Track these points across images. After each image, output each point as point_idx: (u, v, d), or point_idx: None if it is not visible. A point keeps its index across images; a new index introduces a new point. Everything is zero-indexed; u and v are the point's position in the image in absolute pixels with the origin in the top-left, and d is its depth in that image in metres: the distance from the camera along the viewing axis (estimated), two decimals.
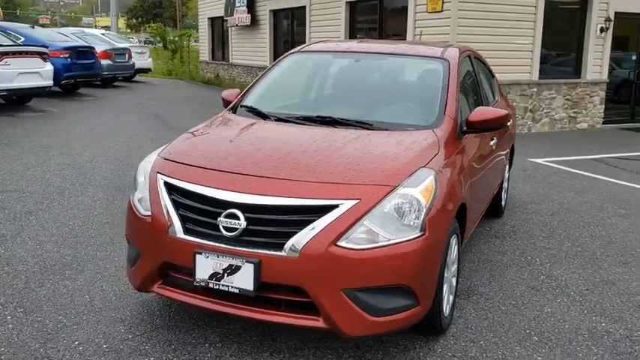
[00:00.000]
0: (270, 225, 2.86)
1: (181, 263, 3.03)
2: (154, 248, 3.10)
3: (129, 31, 69.63)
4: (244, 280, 2.85)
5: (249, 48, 18.52)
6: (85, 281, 3.97)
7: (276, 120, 3.83)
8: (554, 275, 4.40)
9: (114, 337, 3.28)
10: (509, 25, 10.82)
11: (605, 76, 12.12)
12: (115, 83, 18.03)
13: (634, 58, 12.72)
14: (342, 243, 2.78)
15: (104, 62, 16.06)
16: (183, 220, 3.01)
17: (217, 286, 2.91)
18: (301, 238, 2.78)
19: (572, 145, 10.33)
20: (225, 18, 19.49)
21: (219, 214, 2.91)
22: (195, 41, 28.94)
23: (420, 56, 4.29)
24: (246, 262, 2.83)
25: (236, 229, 2.87)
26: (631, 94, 12.88)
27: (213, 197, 2.96)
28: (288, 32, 16.64)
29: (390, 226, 2.85)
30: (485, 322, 3.59)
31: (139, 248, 3.21)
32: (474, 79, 4.66)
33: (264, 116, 3.90)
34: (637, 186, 7.37)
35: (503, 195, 5.81)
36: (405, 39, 11.45)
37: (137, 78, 19.80)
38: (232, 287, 2.89)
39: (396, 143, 3.36)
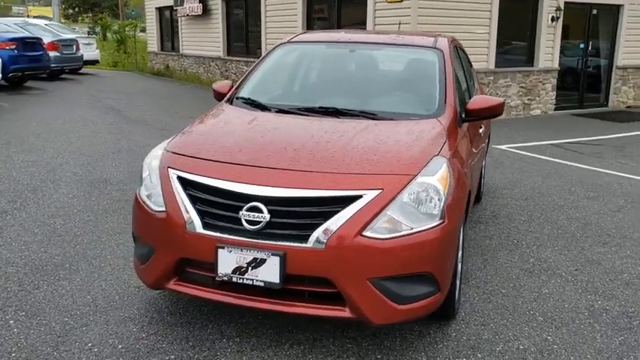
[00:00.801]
0: (295, 217, 2.85)
1: (201, 258, 2.99)
2: (169, 244, 3.04)
3: (63, 21, 67.21)
4: (269, 272, 2.83)
5: (201, 38, 18.21)
6: (83, 281, 3.86)
7: (277, 111, 3.80)
8: (542, 257, 4.55)
9: (127, 336, 3.20)
10: (467, 15, 11.04)
11: (556, 64, 12.53)
12: (63, 76, 17.41)
13: (582, 46, 13.19)
14: (367, 233, 2.80)
15: (52, 54, 15.46)
16: (202, 214, 2.96)
17: (241, 280, 2.89)
18: (327, 229, 2.78)
19: (529, 132, 10.65)
20: (174, 8, 19.07)
21: (241, 208, 2.88)
22: (142, 31, 28.22)
23: (413, 46, 4.34)
24: (272, 254, 2.81)
25: (259, 222, 2.84)
26: (579, 81, 13.37)
27: (234, 191, 2.92)
28: (243, 22, 16.45)
29: (411, 214, 2.88)
30: (489, 306, 3.69)
31: (152, 245, 3.14)
32: (461, 68, 4.75)
33: (264, 108, 3.87)
34: (598, 169, 7.67)
35: (482, 181, 5.96)
36: (365, 29, 11.51)
37: (84, 70, 19.17)
38: (257, 280, 2.87)
39: (405, 132, 3.40)
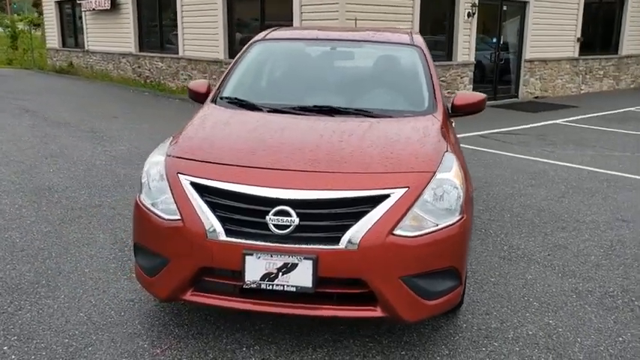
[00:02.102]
0: (325, 219, 2.81)
1: (225, 267, 2.88)
2: (188, 254, 2.90)
3: None
4: (302, 277, 2.78)
5: (110, 34, 17.41)
6: (68, 298, 3.60)
7: (269, 111, 3.72)
8: (513, 245, 4.77)
9: (140, 354, 3.03)
10: (391, 10, 11.28)
11: (472, 58, 13.10)
12: None
13: (494, 41, 13.87)
14: (397, 232, 2.81)
15: None
16: (223, 221, 2.85)
17: (270, 287, 2.81)
18: (358, 230, 2.77)
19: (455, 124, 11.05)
20: (78, 2, 18.10)
21: (267, 212, 2.80)
22: (35, 25, 26.54)
23: (391, 43, 4.38)
24: (304, 259, 2.76)
25: (288, 226, 2.78)
26: (493, 74, 14.06)
27: (258, 195, 2.83)
28: (156, 16, 15.88)
29: (434, 211, 2.92)
30: (485, 295, 3.82)
31: (165, 256, 2.97)
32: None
33: (255, 107, 3.78)
34: (531, 158, 8.11)
35: None
36: (292, 25, 11.49)
37: None
38: (288, 286, 2.80)
39: (411, 129, 3.44)
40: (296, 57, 4.40)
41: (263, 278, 2.81)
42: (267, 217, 2.80)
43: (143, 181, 3.22)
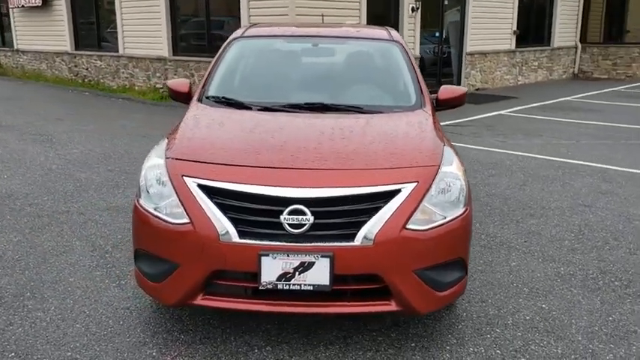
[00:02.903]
0: (339, 216, 2.81)
1: (240, 269, 2.84)
2: (199, 258, 2.84)
3: None
4: (319, 275, 2.78)
5: (42, 32, 16.67)
6: (59, 309, 3.46)
7: (260, 109, 3.68)
8: (490, 233, 4.91)
9: None
10: (339, 5, 11.33)
11: (417, 52, 13.33)
12: None
13: (437, 35, 14.18)
14: (410, 226, 2.85)
15: None
16: (235, 223, 2.81)
17: (287, 287, 2.79)
18: (373, 226, 2.79)
19: None
20: None
21: (281, 212, 2.78)
22: None
23: (370, 39, 4.42)
24: (321, 257, 2.76)
25: (303, 225, 2.77)
26: (436, 68, 14.37)
27: (271, 195, 2.81)
28: (92, 13, 15.31)
29: (442, 204, 2.98)
30: (476, 283, 3.93)
31: (174, 261, 2.90)
32: None
33: (243, 106, 3.73)
34: (485, 148, 8.35)
35: None
36: (240, 21, 11.37)
37: None
38: (305, 285, 2.79)
39: (406, 125, 3.49)
40: (279, 54, 4.36)
41: (279, 278, 2.79)
42: (282, 217, 2.78)
43: (141, 185, 3.13)
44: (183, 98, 4.08)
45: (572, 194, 6.04)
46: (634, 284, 3.93)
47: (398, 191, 2.88)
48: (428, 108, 3.80)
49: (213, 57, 12.23)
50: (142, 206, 3.06)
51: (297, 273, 2.78)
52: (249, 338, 3.18)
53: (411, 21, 12.93)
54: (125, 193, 5.80)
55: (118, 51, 14.43)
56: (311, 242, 2.78)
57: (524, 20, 16.00)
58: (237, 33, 4.48)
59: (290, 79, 4.14)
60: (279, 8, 10.76)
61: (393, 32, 4.55)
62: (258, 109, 3.68)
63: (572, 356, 3.06)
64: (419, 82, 4.01)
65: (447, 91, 4.06)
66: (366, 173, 2.94)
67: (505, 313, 3.51)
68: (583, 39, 18.26)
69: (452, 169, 3.11)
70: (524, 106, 12.42)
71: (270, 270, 2.78)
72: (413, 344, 3.16)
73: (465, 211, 3.06)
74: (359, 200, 2.84)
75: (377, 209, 2.83)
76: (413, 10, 12.85)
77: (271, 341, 3.15)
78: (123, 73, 14.46)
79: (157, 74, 13.48)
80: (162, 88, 13.32)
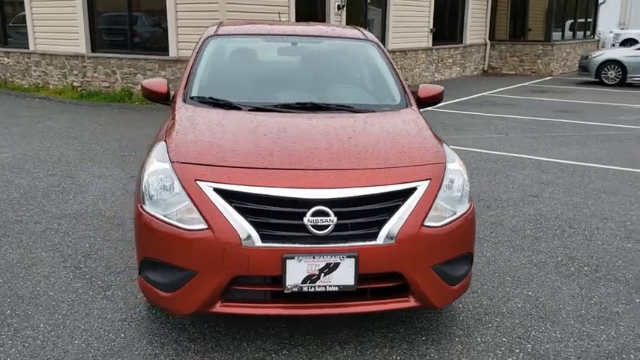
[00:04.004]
0: (361, 216, 2.83)
1: (263, 273, 2.79)
2: (219, 264, 2.76)
3: None
4: (344, 276, 2.78)
5: None
6: (50, 326, 3.25)
7: (251, 110, 3.62)
8: None
9: None
10: (269, 2, 11.26)
11: None
12: None
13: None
14: (427, 223, 2.92)
15: None
16: (257, 226, 2.76)
17: (312, 289, 2.78)
18: (395, 224, 2.83)
19: None
20: None
21: (304, 214, 2.76)
22: None
23: (347, 38, 4.43)
24: (346, 257, 2.76)
25: (327, 226, 2.76)
26: None
27: (294, 197, 2.78)
28: None
29: (451, 200, 3.07)
30: None
31: (190, 268, 2.80)
32: None
33: (232, 106, 3.65)
34: None
35: None
36: (167, 19, 11.05)
37: None
38: (331, 286, 2.79)
39: (402, 123, 3.55)
40: (260, 53, 4.29)
41: (305, 281, 2.77)
42: (305, 219, 2.76)
43: (144, 191, 2.99)
44: (161, 98, 3.94)
45: (517, 185, 6.36)
46: (601, 268, 4.21)
47: (414, 189, 2.94)
48: (415, 107, 3.89)
49: (136, 54, 11.84)
50: (148, 213, 2.92)
51: (322, 274, 2.77)
52: (262, 343, 3.13)
53: (337, 18, 13.08)
54: (77, 199, 5.51)
55: (28, 47, 13.59)
56: (335, 243, 2.78)
57: (439, 19, 16.61)
58: (210, 31, 4.36)
59: (275, 79, 4.08)
60: (208, 4, 10.55)
61: (366, 32, 4.60)
62: (249, 110, 3.61)
63: (571, 339, 3.24)
64: (400, 81, 4.09)
65: (425, 89, 4.16)
66: (382, 172, 2.97)
67: (498, 302, 3.67)
68: (491, 36, 19.20)
69: (456, 165, 3.20)
70: (446, 102, 12.88)
71: (296, 273, 2.75)
72: (424, 338, 3.23)
73: (470, 206, 3.16)
74: (380, 199, 2.87)
75: (396, 207, 2.87)
76: (339, 7, 13.01)
77: (285, 345, 3.12)
78: (35, 71, 13.64)
79: (74, 72, 12.83)
80: (80, 86, 12.71)
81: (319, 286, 2.78)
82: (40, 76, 13.53)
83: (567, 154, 7.83)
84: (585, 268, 4.22)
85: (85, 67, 12.61)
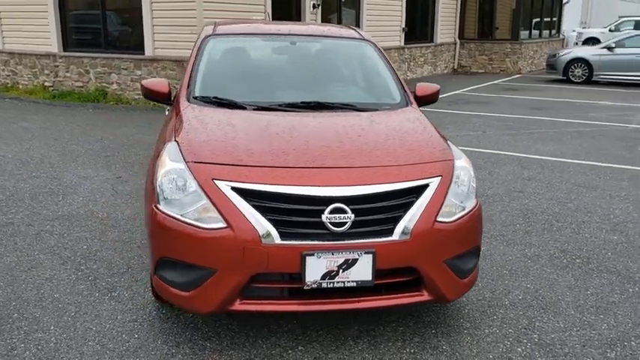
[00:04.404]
0: (378, 213, 2.89)
1: (282, 270, 2.83)
2: (239, 262, 2.79)
3: None
4: (362, 271, 2.84)
5: None
6: (60, 328, 3.22)
7: (256, 109, 3.64)
8: None
9: None
10: (246, 1, 11.23)
11: None
12: None
13: None
14: (440, 218, 2.99)
15: None
16: (276, 224, 2.79)
17: (331, 285, 2.83)
18: (410, 220, 2.90)
19: None
20: None
21: (322, 211, 2.81)
22: None
23: (344, 37, 4.49)
24: (364, 253, 2.82)
25: (345, 223, 2.82)
26: None
27: (312, 195, 2.82)
28: None
29: (460, 196, 3.15)
30: None
31: (210, 267, 2.82)
32: None
33: (237, 106, 3.67)
34: None
35: None
36: (142, 17, 10.93)
37: None
38: (349, 282, 2.85)
39: (407, 122, 3.62)
40: (260, 52, 4.32)
41: (324, 277, 2.81)
42: (324, 216, 2.80)
43: (159, 191, 2.99)
44: (163, 98, 3.93)
45: (501, 181, 6.51)
46: (592, 260, 4.36)
47: (426, 186, 3.01)
48: (415, 105, 3.97)
49: (110, 53, 11.71)
50: (164, 213, 2.93)
51: (340, 270, 2.82)
52: (277, 340, 3.17)
53: (312, 17, 13.12)
54: (66, 200, 5.43)
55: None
56: (352, 239, 2.83)
57: (411, 18, 16.79)
58: (208, 31, 4.36)
59: (276, 78, 4.11)
60: (185, 3, 10.48)
61: (362, 31, 4.66)
62: (254, 109, 3.64)
63: (575, 329, 3.36)
64: (399, 80, 4.16)
65: (423, 88, 4.24)
66: (395, 170, 3.03)
67: (499, 295, 3.77)
68: (461, 36, 19.49)
69: (463, 162, 3.28)
70: None
71: (315, 269, 2.80)
72: (433, 331, 3.31)
73: (477, 201, 3.25)
74: (395, 196, 2.93)
75: (410, 204, 2.94)
76: (314, 7, 13.05)
77: (300, 341, 3.16)
78: (3, 70, 13.33)
79: (46, 71, 12.58)
80: (52, 86, 12.48)
81: (338, 282, 2.84)
82: (8, 75, 13.23)
83: (545, 151, 8.03)
84: (577, 260, 4.36)
85: (57, 66, 12.39)
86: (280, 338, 3.18)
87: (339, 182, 2.88)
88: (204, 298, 2.86)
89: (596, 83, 16.30)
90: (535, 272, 4.13)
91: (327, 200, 2.83)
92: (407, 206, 2.93)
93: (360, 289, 2.92)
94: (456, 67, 19.68)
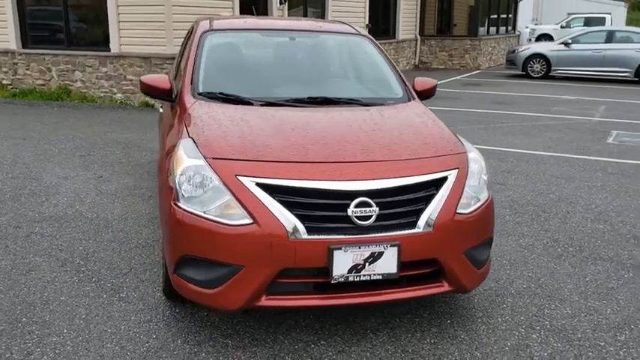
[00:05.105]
0: (401, 206, 2.92)
1: (309, 265, 2.83)
2: (267, 258, 2.77)
3: None
4: (387, 264, 2.86)
5: None
6: (74, 331, 3.14)
7: (263, 104, 3.62)
8: None
9: None
10: None
11: None
12: None
13: None
14: (459, 210, 3.04)
15: None
16: (302, 219, 2.79)
17: (357, 278, 2.85)
18: (432, 213, 2.94)
19: None
20: None
21: (348, 205, 2.82)
22: None
23: (341, 33, 4.49)
24: (390, 246, 2.84)
25: (370, 216, 2.84)
26: None
27: (337, 189, 2.83)
28: None
29: (474, 187, 3.21)
30: None
31: (235, 263, 2.80)
32: None
33: (244, 101, 3.64)
34: None
35: None
36: (107, 13, 10.68)
37: None
38: (374, 275, 2.87)
39: (416, 116, 3.66)
40: (260, 48, 4.29)
41: (350, 271, 2.83)
42: (349, 210, 2.81)
43: (178, 188, 2.95)
44: (164, 95, 3.85)
45: None
46: (584, 249, 4.50)
47: (445, 178, 3.06)
48: (418, 100, 4.01)
49: (74, 50, 11.44)
50: (185, 210, 2.88)
51: (367, 264, 2.84)
52: (297, 335, 3.16)
53: (279, 12, 13.07)
54: (51, 201, 5.28)
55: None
56: (377, 233, 2.85)
57: (374, 15, 16.91)
58: (205, 26, 4.29)
59: (279, 73, 4.09)
60: None
61: (357, 27, 4.68)
62: (261, 105, 3.61)
63: (582, 314, 3.47)
64: (400, 74, 4.20)
65: (421, 82, 4.28)
66: (414, 162, 3.07)
67: (504, 284, 3.86)
68: (421, 32, 19.75)
69: (475, 155, 3.35)
70: None
71: (342, 263, 2.81)
72: (449, 321, 3.36)
73: (489, 194, 3.32)
74: (417, 189, 2.97)
75: (432, 196, 2.98)
76: (281, 2, 13.00)
77: (321, 335, 3.17)
78: None
79: (4, 69, 12.15)
80: (10, 84, 12.06)
81: (364, 276, 2.85)
82: None
83: (517, 144, 8.23)
84: (570, 249, 4.50)
85: (16, 64, 11.99)
86: (300, 333, 3.18)
87: (363, 176, 2.90)
88: (231, 295, 2.84)
89: (554, 78, 16.78)
90: (533, 262, 4.24)
91: (353, 194, 2.84)
92: (428, 199, 2.97)
93: (382, 282, 2.94)
94: (417, 64, 19.93)
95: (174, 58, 10.56)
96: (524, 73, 16.89)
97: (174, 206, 2.94)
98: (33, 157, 6.92)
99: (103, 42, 11.03)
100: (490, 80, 16.46)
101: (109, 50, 10.97)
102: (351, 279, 2.84)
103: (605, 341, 3.19)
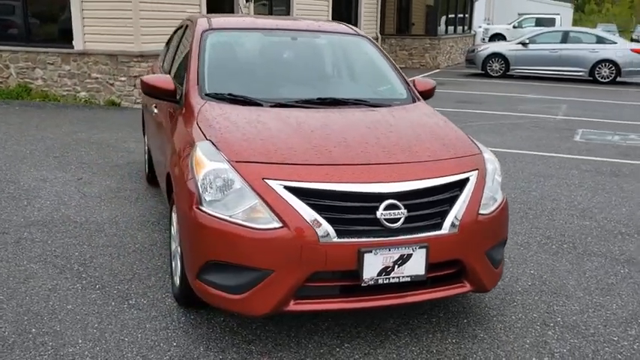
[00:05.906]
0: (428, 207, 2.93)
1: (339, 268, 2.81)
2: (297, 261, 2.74)
3: None
4: (416, 266, 2.87)
5: None
6: (89, 341, 3.03)
7: (273, 105, 3.57)
8: None
9: None
10: None
11: None
12: None
13: None
14: (481, 210, 3.08)
15: None
16: (331, 222, 2.77)
17: (387, 280, 2.85)
18: (457, 214, 2.96)
19: None
20: None
21: (377, 208, 2.81)
22: None
23: (341, 33, 4.46)
24: (419, 248, 2.85)
25: (398, 218, 2.84)
26: None
27: (366, 192, 2.82)
28: None
29: (492, 187, 3.25)
30: None
31: (265, 268, 2.75)
32: None
33: (253, 102, 3.58)
34: None
35: None
36: (70, 8, 10.34)
37: None
38: (403, 277, 2.87)
39: (426, 117, 3.67)
40: (263, 47, 4.21)
41: (380, 273, 2.82)
42: (378, 213, 2.81)
43: (201, 192, 2.88)
44: (167, 95, 3.74)
45: None
46: (577, 246, 4.62)
47: (467, 179, 3.09)
48: (422, 100, 4.03)
49: (34, 46, 11.15)
50: (210, 214, 2.82)
51: (396, 266, 2.84)
52: (319, 338, 3.13)
53: (246, 10, 12.94)
54: (34, 205, 5.08)
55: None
56: (406, 235, 2.85)
57: (337, 13, 16.93)
58: (204, 24, 4.18)
59: (285, 74, 4.03)
60: None
61: (354, 27, 4.67)
62: (271, 106, 3.56)
63: (590, 310, 3.56)
64: (402, 75, 4.21)
65: (422, 83, 4.31)
66: (436, 164, 3.08)
67: (510, 282, 3.92)
68: (382, 30, 19.90)
69: (490, 155, 3.39)
70: None
71: (372, 266, 2.80)
72: (466, 320, 3.40)
73: (504, 194, 3.37)
74: (442, 190, 2.98)
75: (456, 198, 3.00)
76: (247, 0, 12.87)
77: (344, 338, 3.15)
78: None
79: None
80: None
81: (393, 278, 2.85)
82: None
83: (490, 142, 8.38)
84: (564, 246, 4.61)
85: None
86: (323, 337, 3.15)
87: (390, 178, 2.90)
88: (259, 300, 2.79)
89: (512, 77, 17.20)
90: (532, 259, 4.33)
91: (381, 197, 2.83)
92: (453, 200, 2.99)
93: (408, 284, 2.94)
94: None
95: (142, 56, 10.39)
96: (483, 72, 17.24)
97: (198, 210, 2.87)
98: (4, 158, 6.65)
99: (66, 38, 10.67)
100: (451, 79, 16.74)
101: (73, 47, 10.63)
102: (380, 282, 2.83)
103: (618, 336, 3.28)
